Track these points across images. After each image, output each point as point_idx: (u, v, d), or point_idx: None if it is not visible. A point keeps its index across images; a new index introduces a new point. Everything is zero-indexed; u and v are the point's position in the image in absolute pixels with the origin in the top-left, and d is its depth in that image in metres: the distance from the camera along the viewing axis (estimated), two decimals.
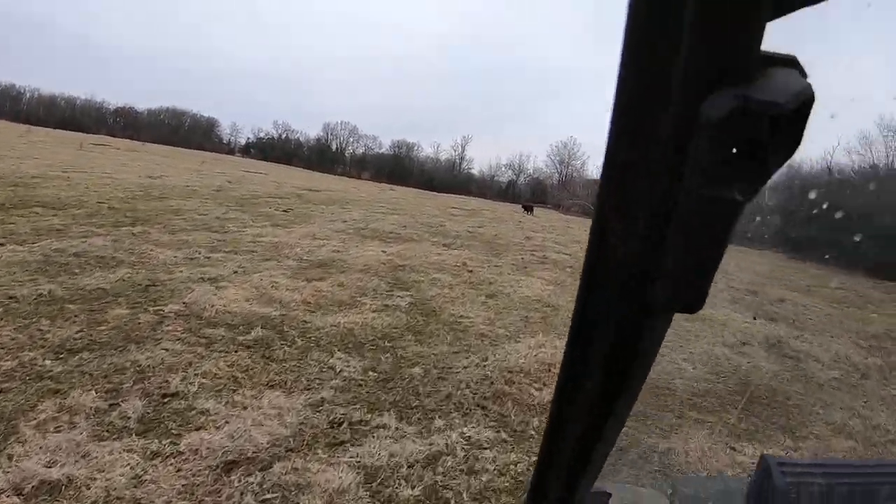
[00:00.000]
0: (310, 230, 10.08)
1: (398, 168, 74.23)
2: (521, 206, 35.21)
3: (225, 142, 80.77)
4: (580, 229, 21.62)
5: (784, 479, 0.90)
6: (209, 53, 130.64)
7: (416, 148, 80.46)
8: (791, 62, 0.28)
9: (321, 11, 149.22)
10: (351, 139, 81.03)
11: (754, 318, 7.82)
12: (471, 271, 8.36)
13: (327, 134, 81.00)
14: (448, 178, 72.68)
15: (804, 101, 0.26)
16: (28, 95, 76.25)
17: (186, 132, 76.72)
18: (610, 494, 0.87)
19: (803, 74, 0.28)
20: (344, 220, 12.25)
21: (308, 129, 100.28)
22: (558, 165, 77.35)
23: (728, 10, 0.25)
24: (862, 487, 0.95)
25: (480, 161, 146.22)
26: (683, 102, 0.27)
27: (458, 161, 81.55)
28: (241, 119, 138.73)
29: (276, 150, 76.82)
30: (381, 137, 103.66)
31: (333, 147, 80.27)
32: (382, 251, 8.91)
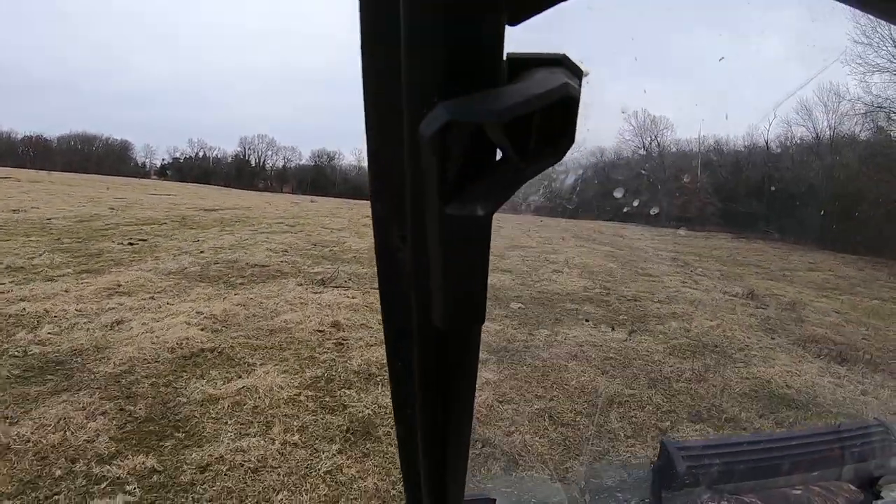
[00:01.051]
0: (119, 278, 7.25)
1: (320, 178, 71.17)
2: None
3: (140, 164, 75.26)
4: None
5: (684, 463, 0.97)
6: (120, 76, 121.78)
7: (337, 156, 77.53)
8: (556, 62, 0.28)
9: (227, 24, 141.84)
10: (269, 152, 76.77)
11: None
12: (340, 344, 5.32)
13: (245, 148, 76.33)
14: None
15: (558, 100, 0.25)
16: None
17: (98, 157, 70.76)
18: (494, 500, 0.89)
19: (576, 72, 0.27)
20: (201, 251, 9.89)
21: (226, 146, 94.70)
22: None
23: (445, 16, 0.24)
24: (758, 463, 1.07)
25: None
26: (411, 116, 0.26)
27: None
28: (157, 141, 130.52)
29: (194, 169, 72.22)
30: (301, 148, 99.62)
31: (252, 161, 76.26)
32: (200, 311, 5.82)
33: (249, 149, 75.93)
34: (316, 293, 7.00)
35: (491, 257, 0.32)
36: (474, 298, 0.32)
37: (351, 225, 16.60)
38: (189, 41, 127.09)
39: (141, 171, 71.06)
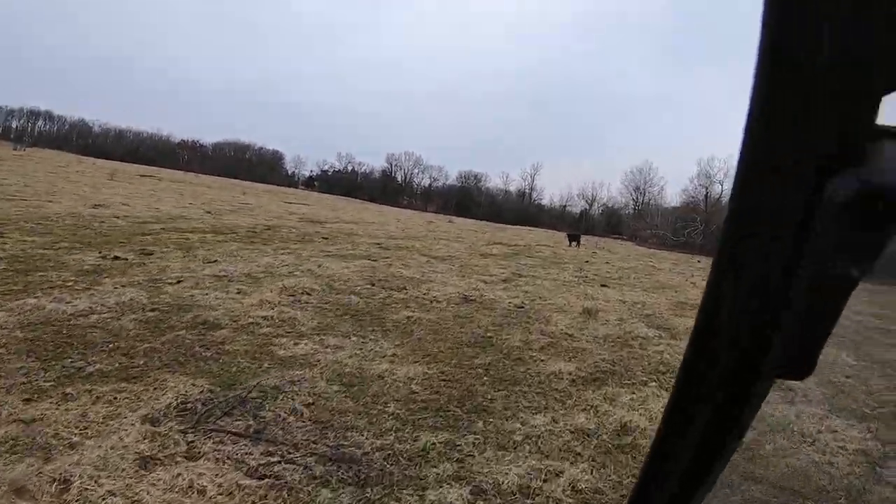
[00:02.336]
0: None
1: (464, 199, 69.29)
2: (566, 235, 26.95)
3: (290, 174, 79.95)
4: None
5: None
6: (287, 89, 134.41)
7: (483, 178, 75.19)
8: None
9: (393, 45, 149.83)
10: (416, 170, 77.09)
11: None
12: None
13: (391, 165, 77.42)
14: (517, 209, 66.52)
15: None
16: (96, 129, 79.60)
17: (249, 165, 76.29)
18: None
19: None
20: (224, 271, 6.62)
21: (374, 161, 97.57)
22: (633, 193, 69.30)
23: (845, 84, 0.26)
24: None
25: (551, 191, 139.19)
26: (805, 177, 0.28)
27: (527, 191, 75.25)
28: (309, 153, 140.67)
29: (342, 182, 74.62)
30: (448, 168, 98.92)
31: (398, 178, 76.72)
32: None
33: (396, 165, 76.73)
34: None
35: None
36: (813, 352, 0.32)
37: (462, 255, 12.46)
38: (350, 66, 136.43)
39: (290, 181, 75.04)
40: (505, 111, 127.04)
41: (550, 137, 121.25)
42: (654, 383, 4.32)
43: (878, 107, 0.26)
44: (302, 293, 6.07)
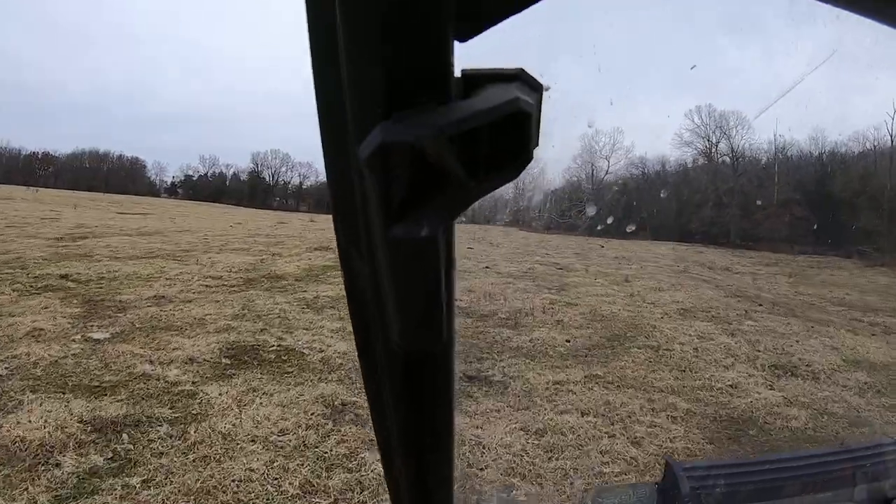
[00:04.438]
0: None
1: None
2: None
3: (152, 183, 73.32)
4: None
5: (688, 483, 0.97)
6: (142, 98, 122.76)
7: None
8: (512, 76, 0.26)
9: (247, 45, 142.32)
10: (283, 168, 72.61)
11: None
12: None
13: (257, 165, 72.50)
14: None
15: (509, 116, 0.24)
16: None
17: (107, 175, 68.99)
18: None
19: (534, 87, 0.26)
20: None
21: (239, 162, 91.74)
22: None
23: (382, 33, 0.23)
24: (764, 485, 1.05)
25: None
26: (357, 138, 0.26)
27: None
28: (176, 160, 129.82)
29: (208, 187, 69.71)
30: (318, 164, 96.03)
31: (266, 178, 72.83)
32: None
33: (262, 165, 72.69)
34: None
35: None
36: (433, 319, 0.32)
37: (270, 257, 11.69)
38: (220, 66, 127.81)
39: (152, 190, 68.93)
40: None
41: None
42: None
43: (445, 54, 0.25)
44: None
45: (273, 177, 72.48)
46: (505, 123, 0.24)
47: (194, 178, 73.13)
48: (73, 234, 13.98)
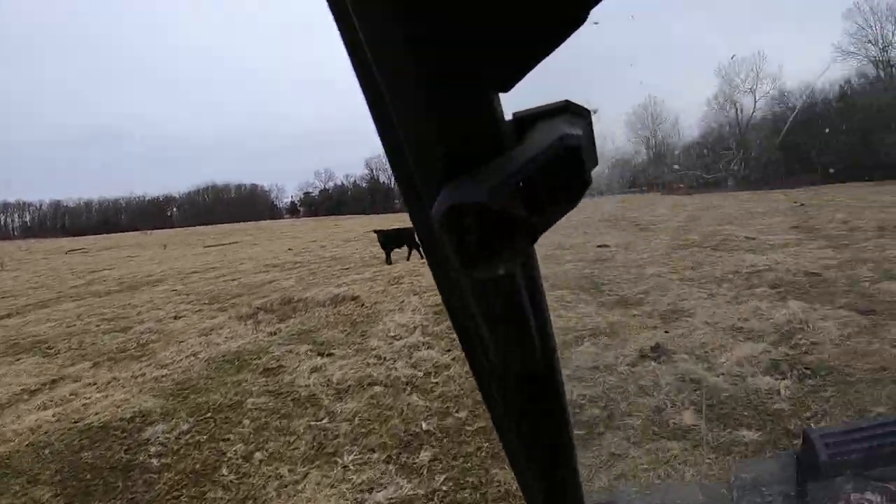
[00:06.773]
0: None
1: None
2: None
3: (273, 205, 72.45)
4: None
5: (827, 451, 0.94)
6: (265, 132, 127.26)
7: None
8: (559, 110, 0.28)
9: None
10: None
11: None
12: None
13: (372, 170, 69.60)
14: None
15: (558, 154, 0.26)
16: (36, 207, 72.57)
17: (225, 206, 69.57)
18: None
19: (582, 114, 0.28)
20: None
21: (356, 171, 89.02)
22: (641, 135, 51.73)
23: (427, 100, 0.25)
24: None
25: None
26: (426, 196, 0.27)
27: None
28: (290, 181, 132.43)
29: (328, 200, 67.17)
30: None
31: (381, 181, 68.97)
32: None
33: (378, 169, 68.77)
34: None
35: None
36: (523, 342, 0.33)
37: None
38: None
39: (273, 213, 68.14)
40: None
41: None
42: None
43: (492, 108, 0.26)
44: None
45: (390, 178, 68.30)
46: (556, 160, 0.25)
47: (313, 194, 71.12)
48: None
